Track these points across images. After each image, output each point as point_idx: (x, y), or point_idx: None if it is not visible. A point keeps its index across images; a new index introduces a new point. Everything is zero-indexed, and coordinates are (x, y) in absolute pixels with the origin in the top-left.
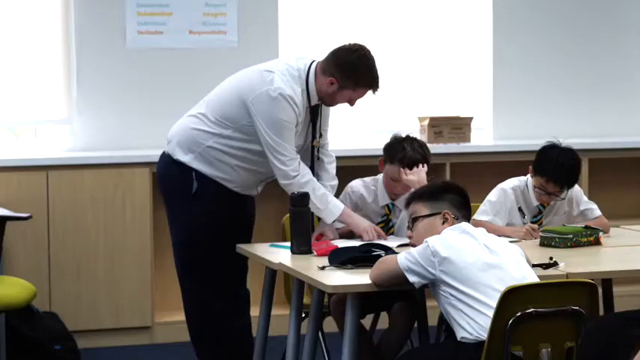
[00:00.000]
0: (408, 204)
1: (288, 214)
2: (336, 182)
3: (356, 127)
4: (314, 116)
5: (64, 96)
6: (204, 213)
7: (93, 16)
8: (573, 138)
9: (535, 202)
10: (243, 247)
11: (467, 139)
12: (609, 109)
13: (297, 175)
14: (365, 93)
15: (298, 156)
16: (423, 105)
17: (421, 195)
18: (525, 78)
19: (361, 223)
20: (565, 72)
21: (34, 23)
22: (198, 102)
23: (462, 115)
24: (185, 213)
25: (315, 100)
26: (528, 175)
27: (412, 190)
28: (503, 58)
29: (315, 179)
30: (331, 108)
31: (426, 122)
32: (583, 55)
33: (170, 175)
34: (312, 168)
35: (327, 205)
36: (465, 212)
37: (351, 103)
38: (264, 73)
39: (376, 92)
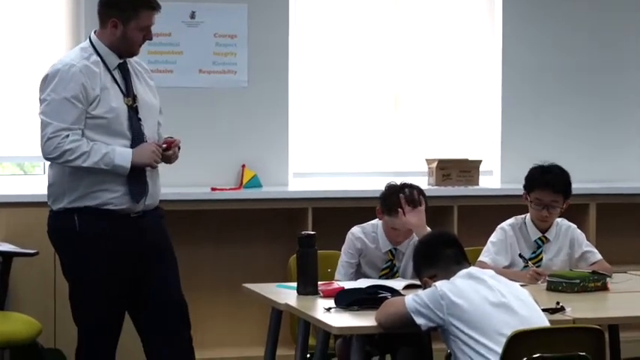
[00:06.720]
0: (415, 269)
1: (294, 255)
2: None
3: (364, 169)
4: (124, 73)
5: None
6: None
7: None
8: (581, 183)
9: (533, 237)
10: (248, 287)
11: (475, 182)
12: (618, 154)
13: (64, 153)
14: (150, 16)
15: (67, 133)
16: (429, 147)
17: (420, 260)
18: (534, 121)
19: (144, 156)
20: (574, 116)
21: (45, 60)
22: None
23: (470, 158)
24: None
25: (115, 60)
26: (527, 214)
27: (414, 237)
28: (512, 101)
29: (87, 151)
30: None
31: (434, 164)
32: (592, 99)
33: None
34: (132, 128)
35: (113, 162)
36: (465, 263)
37: (147, 35)
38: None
39: (160, 10)
